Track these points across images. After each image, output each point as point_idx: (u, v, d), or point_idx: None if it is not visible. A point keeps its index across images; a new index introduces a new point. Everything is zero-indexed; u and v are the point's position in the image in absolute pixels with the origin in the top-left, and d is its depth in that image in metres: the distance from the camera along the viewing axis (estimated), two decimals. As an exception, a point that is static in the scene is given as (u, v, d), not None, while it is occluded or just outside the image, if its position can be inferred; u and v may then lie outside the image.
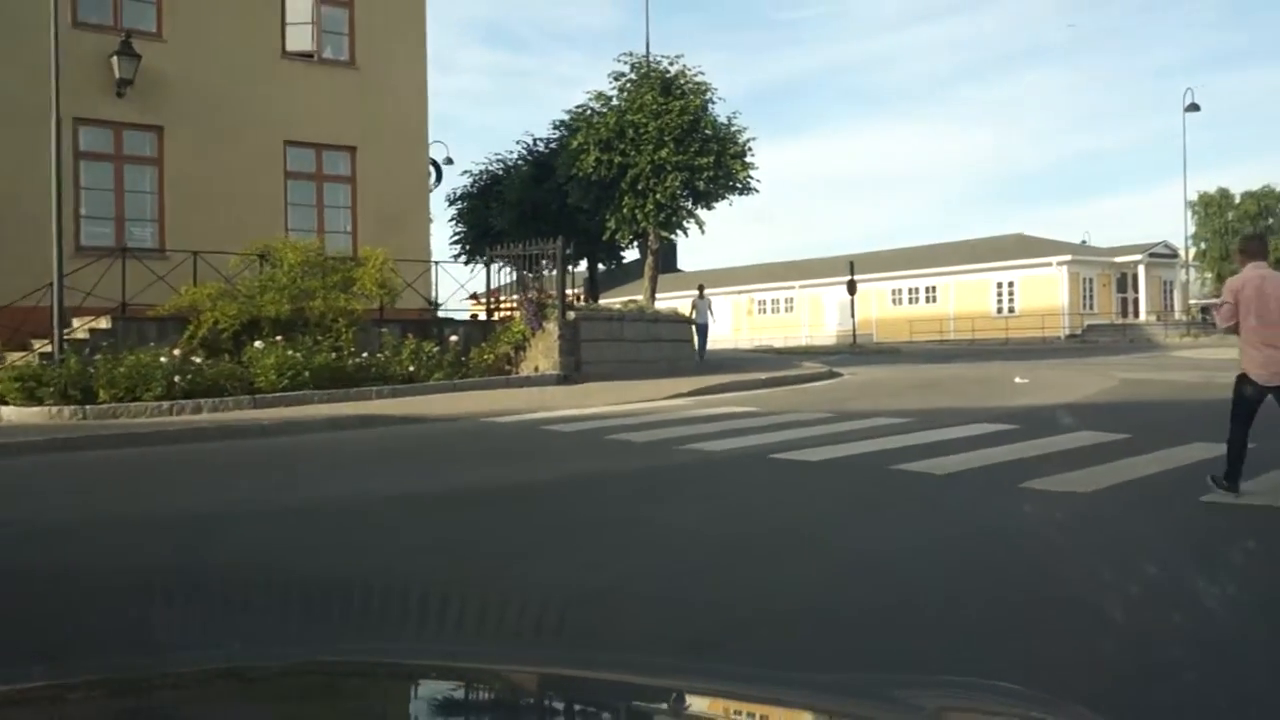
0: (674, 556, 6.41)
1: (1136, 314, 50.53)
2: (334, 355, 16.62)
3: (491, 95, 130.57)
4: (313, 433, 13.27)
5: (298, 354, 16.05)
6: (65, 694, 1.70)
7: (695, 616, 5.05)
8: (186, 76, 19.21)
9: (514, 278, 21.20)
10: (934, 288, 52.88)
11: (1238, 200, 70.66)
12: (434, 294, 20.77)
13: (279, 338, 16.41)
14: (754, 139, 23.58)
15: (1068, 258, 48.78)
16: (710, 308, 26.77)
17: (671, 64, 23.79)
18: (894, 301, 54.27)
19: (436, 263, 20.99)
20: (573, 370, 18.74)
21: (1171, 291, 53.41)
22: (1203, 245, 70.10)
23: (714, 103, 23.65)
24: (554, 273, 19.43)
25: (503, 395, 16.95)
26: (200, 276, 17.33)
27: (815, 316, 56.67)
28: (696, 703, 1.72)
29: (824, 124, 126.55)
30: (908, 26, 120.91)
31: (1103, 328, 46.55)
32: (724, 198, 23.70)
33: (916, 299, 53.74)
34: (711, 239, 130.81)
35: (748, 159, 23.46)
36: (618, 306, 22.83)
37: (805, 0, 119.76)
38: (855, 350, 38.88)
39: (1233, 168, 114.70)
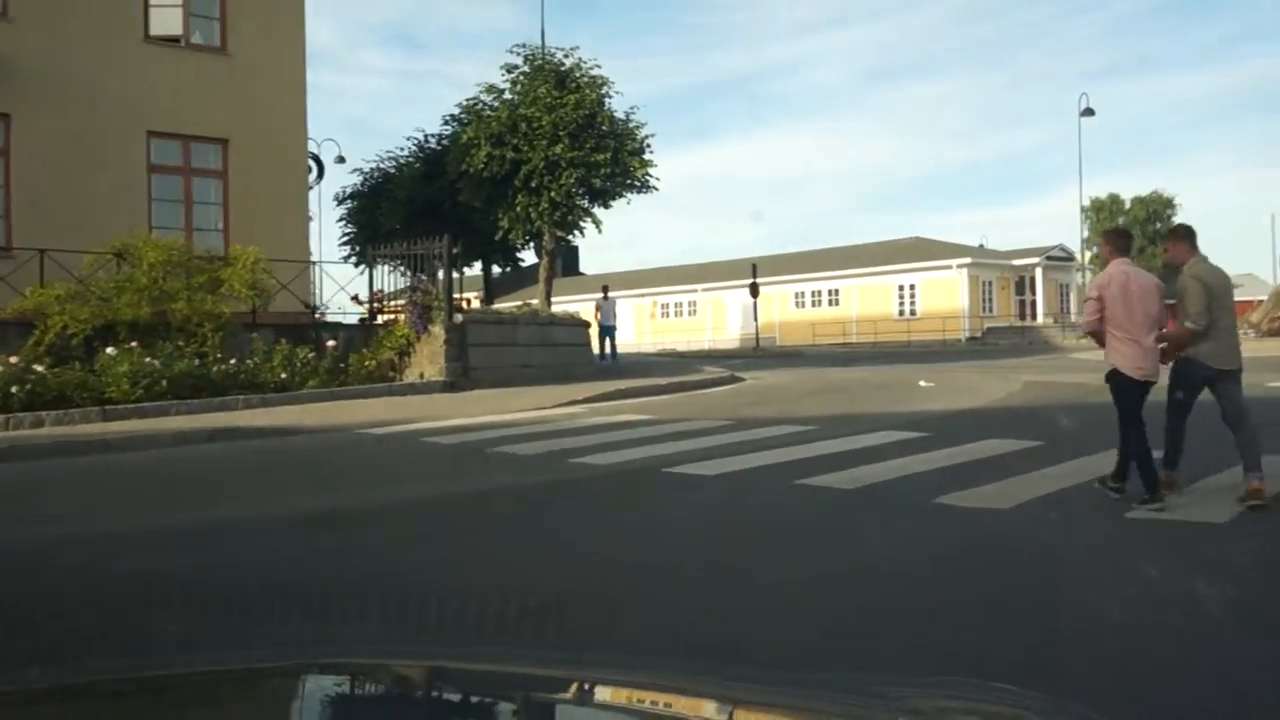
0: (551, 586, 5.47)
1: (1035, 316, 51.05)
2: (197, 362, 15.32)
3: (397, 98, 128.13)
4: (159, 448, 12.00)
5: (155, 361, 14.72)
6: (64, 694, 1.69)
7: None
8: (37, 60, 17.62)
9: (403, 280, 20.05)
10: (836, 290, 52.77)
11: (1128, 206, 72.64)
12: (315, 297, 19.52)
13: (135, 343, 15.04)
14: (653, 135, 22.81)
15: (967, 260, 49.03)
16: (615, 309, 25.72)
17: (567, 56, 22.88)
18: (797, 304, 54.03)
19: (315, 263, 19.71)
20: (460, 377, 17.66)
21: (1068, 294, 54.10)
22: (1095, 249, 71.77)
23: (611, 97, 22.85)
24: (441, 274, 18.31)
25: (383, 404, 15.81)
26: (49, 276, 15.86)
27: (719, 320, 56.20)
28: (691, 703, 1.71)
29: (727, 129, 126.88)
30: (809, 35, 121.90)
31: (1002, 330, 46.86)
32: (622, 196, 22.86)
33: (819, 302, 53.57)
34: (619, 241, 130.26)
35: (647, 156, 22.67)
36: (510, 309, 21.78)
37: (710, 6, 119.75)
38: (758, 354, 38.38)
39: (1124, 174, 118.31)
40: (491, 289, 30.08)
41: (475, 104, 23.10)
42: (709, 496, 8.33)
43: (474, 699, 1.79)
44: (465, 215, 24.54)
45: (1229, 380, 7.70)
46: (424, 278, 18.23)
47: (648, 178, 22.65)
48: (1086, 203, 70.03)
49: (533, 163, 21.61)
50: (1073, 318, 51.05)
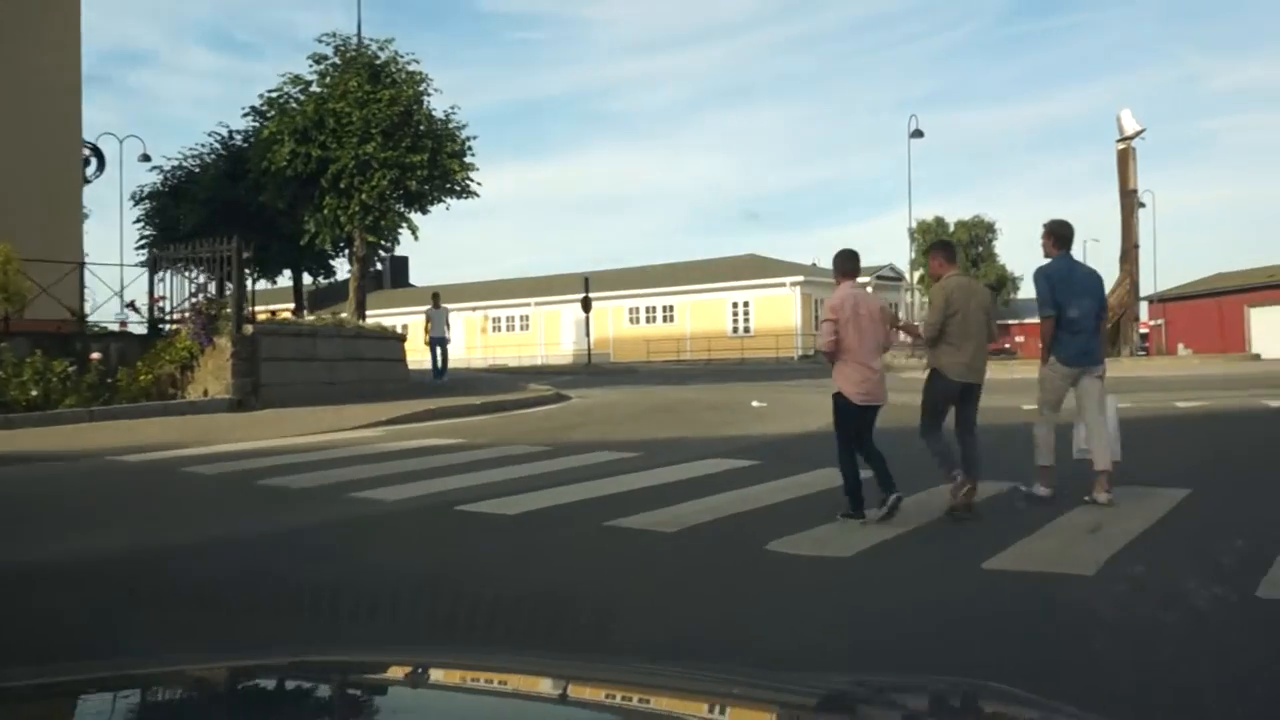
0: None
1: (865, 335, 51.42)
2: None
3: (225, 100, 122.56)
4: None
5: None
6: (63, 694, 1.67)
7: None
8: None
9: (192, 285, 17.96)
10: (671, 307, 52.14)
11: (952, 228, 74.65)
12: (85, 302, 17.30)
13: None
14: (475, 137, 21.32)
15: (800, 278, 49.07)
16: (448, 320, 23.37)
17: (381, 49, 21.17)
18: (631, 320, 53.18)
19: (84, 264, 17.45)
20: (249, 395, 15.81)
21: (897, 313, 54.83)
22: (922, 270, 73.53)
23: (430, 95, 21.24)
24: (231, 280, 16.39)
25: (155, 425, 13.89)
26: None
27: (552, 335, 54.85)
28: (692, 703, 1.70)
29: (564, 146, 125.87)
30: (644, 55, 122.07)
31: (834, 348, 46.87)
32: (441, 201, 21.29)
33: (654, 318, 52.84)
34: (455, 255, 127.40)
35: (468, 159, 21.15)
36: (312, 321, 19.92)
37: (541, 22, 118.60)
38: (590, 370, 37.21)
39: (949, 198, 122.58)
40: (314, 300, 27.98)
41: (279, 96, 21.20)
42: (501, 546, 6.96)
43: (470, 697, 1.75)
44: (273, 218, 22.54)
45: (971, 394, 7.95)
46: (208, 282, 16.31)
47: (469, 182, 21.17)
48: (914, 224, 71.74)
49: (342, 162, 19.86)
50: (902, 337, 51.71)
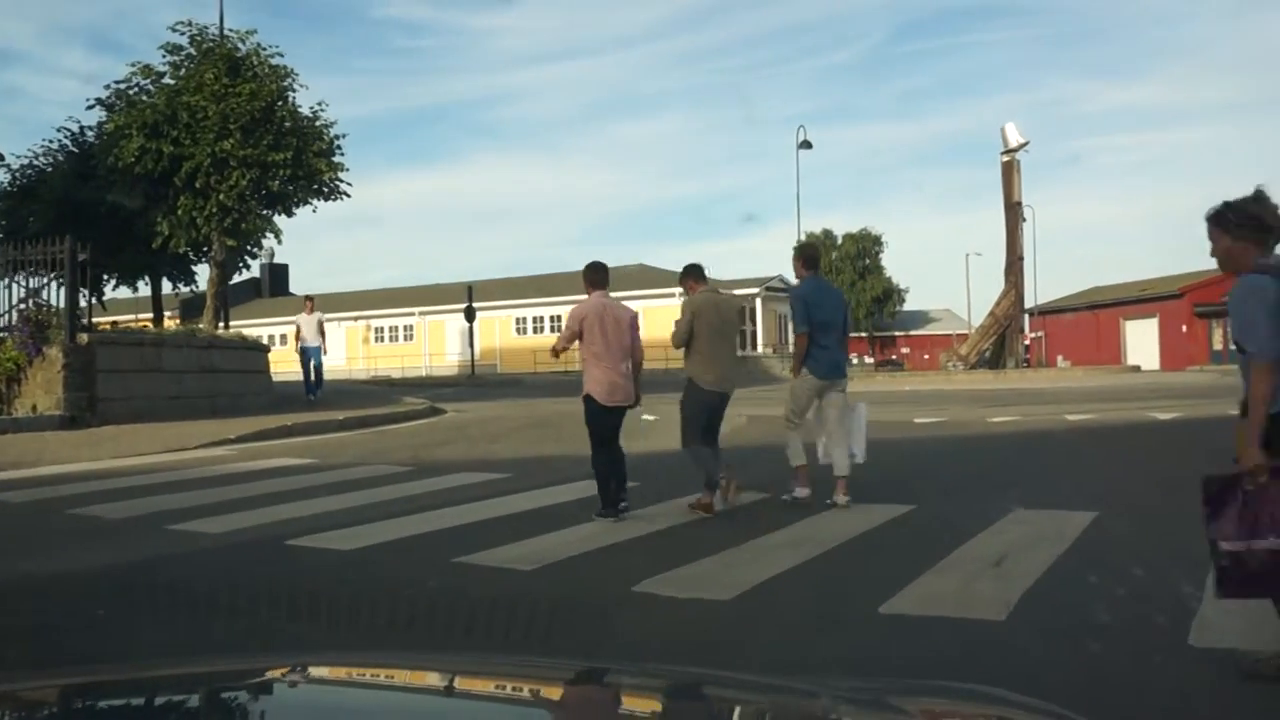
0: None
1: (755, 347, 51.22)
2: None
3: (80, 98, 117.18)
4: None
5: None
6: (63, 694, 1.66)
7: None
8: None
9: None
10: (559, 317, 50.99)
11: (840, 241, 75.27)
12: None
13: None
14: (344, 136, 20.04)
15: (689, 289, 48.54)
16: (322, 328, 20.10)
17: (242, 40, 19.75)
18: (518, 330, 52.01)
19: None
20: (84, 410, 14.36)
21: (786, 325, 54.78)
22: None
23: (296, 90, 19.91)
24: (66, 284, 14.90)
25: (-31, 445, 12.44)
26: None
27: (437, 345, 53.31)
28: (692, 704, 1.71)
29: (453, 155, 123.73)
30: (535, 66, 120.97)
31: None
32: (307, 202, 19.98)
33: (541, 328, 51.71)
34: (342, 264, 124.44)
35: (336, 158, 19.89)
36: (160, 330, 18.43)
37: (431, 31, 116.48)
38: (474, 382, 36.07)
39: (839, 212, 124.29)
40: (187, 309, 26.12)
41: (128, 88, 19.66)
42: (321, 592, 5.92)
43: (470, 696, 1.75)
44: (129, 221, 20.93)
45: (723, 404, 8.74)
46: (40, 288, 14.82)
47: (338, 183, 19.91)
48: (803, 236, 72.07)
49: (197, 159, 18.43)
50: (790, 348, 51.61)
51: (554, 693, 1.79)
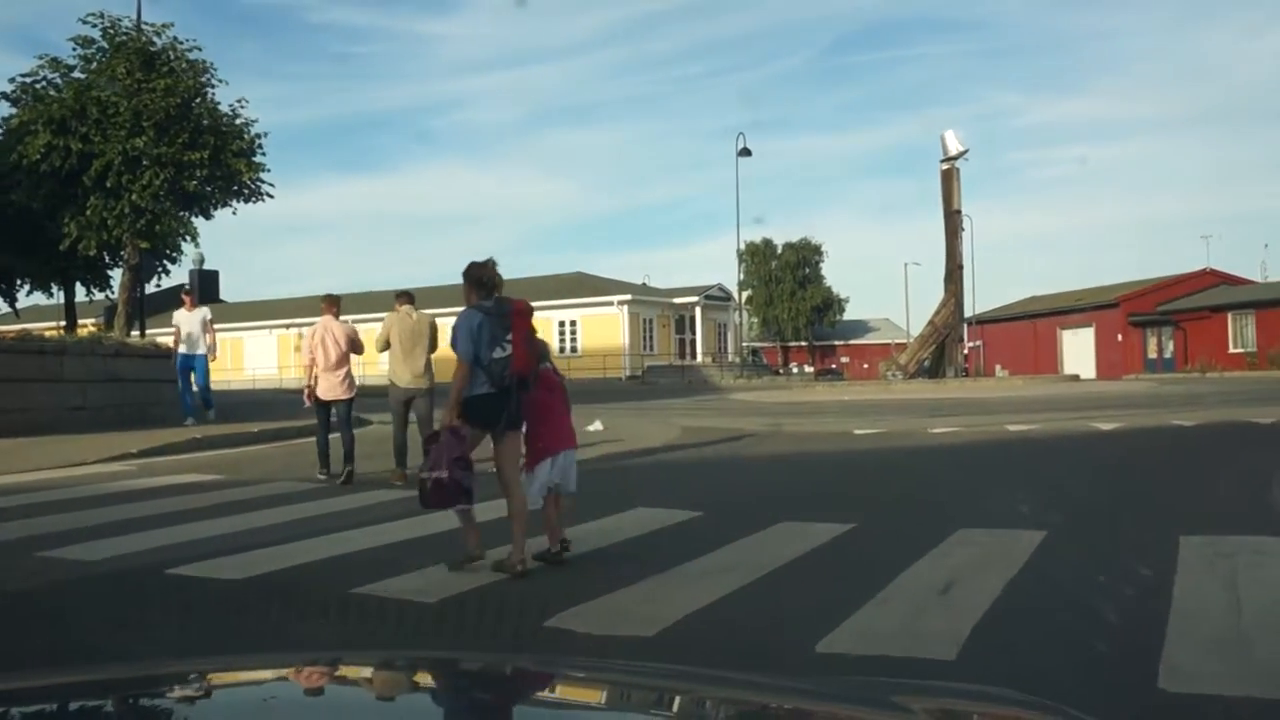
0: None
1: (694, 355, 50.82)
2: None
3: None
4: None
5: None
6: (62, 694, 1.64)
7: None
8: None
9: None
10: (496, 325, 50.37)
11: (780, 250, 75.26)
12: None
13: None
14: (265, 135, 19.17)
15: (628, 297, 48.00)
16: (210, 327, 16.28)
17: (158, 34, 18.83)
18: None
19: None
20: (-24, 422, 13.46)
21: (726, 333, 54.49)
22: (750, 291, 73.87)
23: (215, 86, 19.04)
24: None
25: None
26: None
27: (372, 353, 52.13)
28: (689, 703, 1.71)
29: (395, 162, 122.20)
30: (479, 73, 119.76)
31: (663, 368, 46.08)
32: (226, 204, 19.10)
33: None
34: (280, 271, 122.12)
35: (257, 158, 19.03)
36: (62, 337, 17.43)
37: (373, 36, 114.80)
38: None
39: (781, 221, 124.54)
40: (75, 316, 24.95)
41: (35, 81, 18.64)
42: (190, 631, 5.24)
43: (474, 695, 1.74)
44: (40, 223, 19.89)
45: (421, 400, 10.51)
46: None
47: (259, 184, 19.06)
48: (743, 246, 71.92)
49: (107, 157, 17.49)
50: (730, 357, 51.34)
51: (554, 693, 1.78)
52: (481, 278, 6.55)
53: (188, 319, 15.95)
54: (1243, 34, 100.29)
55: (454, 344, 6.31)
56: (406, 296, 10.76)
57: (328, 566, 6.60)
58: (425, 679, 1.85)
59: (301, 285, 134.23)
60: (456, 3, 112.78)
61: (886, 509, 8.61)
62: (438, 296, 50.93)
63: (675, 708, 1.69)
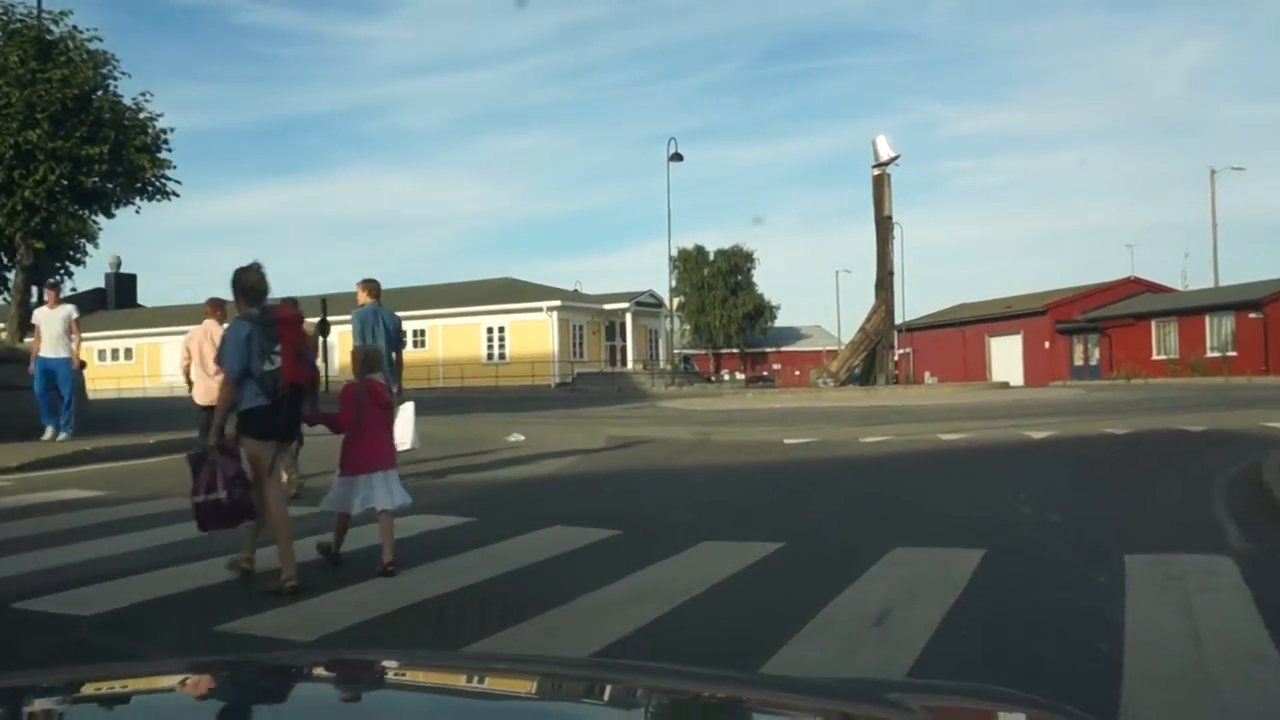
0: None
1: (625, 362, 50.28)
2: None
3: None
4: None
5: None
6: (63, 693, 1.65)
7: None
8: None
9: None
10: (422, 331, 49.27)
11: (712, 257, 75.05)
12: None
13: None
14: (171, 130, 18.23)
15: (558, 303, 47.31)
16: (76, 329, 13.96)
17: (55, 22, 17.82)
18: (381, 345, 50.02)
19: None
20: None
21: (657, 340, 54.04)
22: (682, 298, 73.53)
23: (117, 78, 18.07)
24: None
25: None
26: None
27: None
28: (688, 702, 1.71)
29: (323, 165, 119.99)
30: (410, 77, 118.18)
31: (593, 376, 45.47)
32: (129, 202, 18.13)
33: (404, 342, 49.89)
34: (203, 275, 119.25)
35: (161, 154, 18.09)
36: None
37: (301, 38, 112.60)
38: (326, 399, 34.05)
39: (710, 229, 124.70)
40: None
41: (-81, 69, 17.53)
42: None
43: (472, 695, 1.73)
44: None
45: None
46: None
47: (164, 181, 18.12)
48: (675, 252, 71.57)
49: (-4, 150, 16.51)
50: (661, 364, 50.88)
51: (554, 693, 1.77)
52: (249, 285, 6.18)
53: (49, 317, 13.93)
54: (1158, 49, 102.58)
55: (220, 359, 6.17)
56: (290, 303, 10.13)
57: (196, 598, 5.93)
58: (425, 679, 1.82)
59: (227, 290, 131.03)
60: (386, 6, 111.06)
61: (817, 526, 8.11)
62: (390, 299, 49.95)
63: (675, 707, 1.68)
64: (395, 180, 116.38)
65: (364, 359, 7.15)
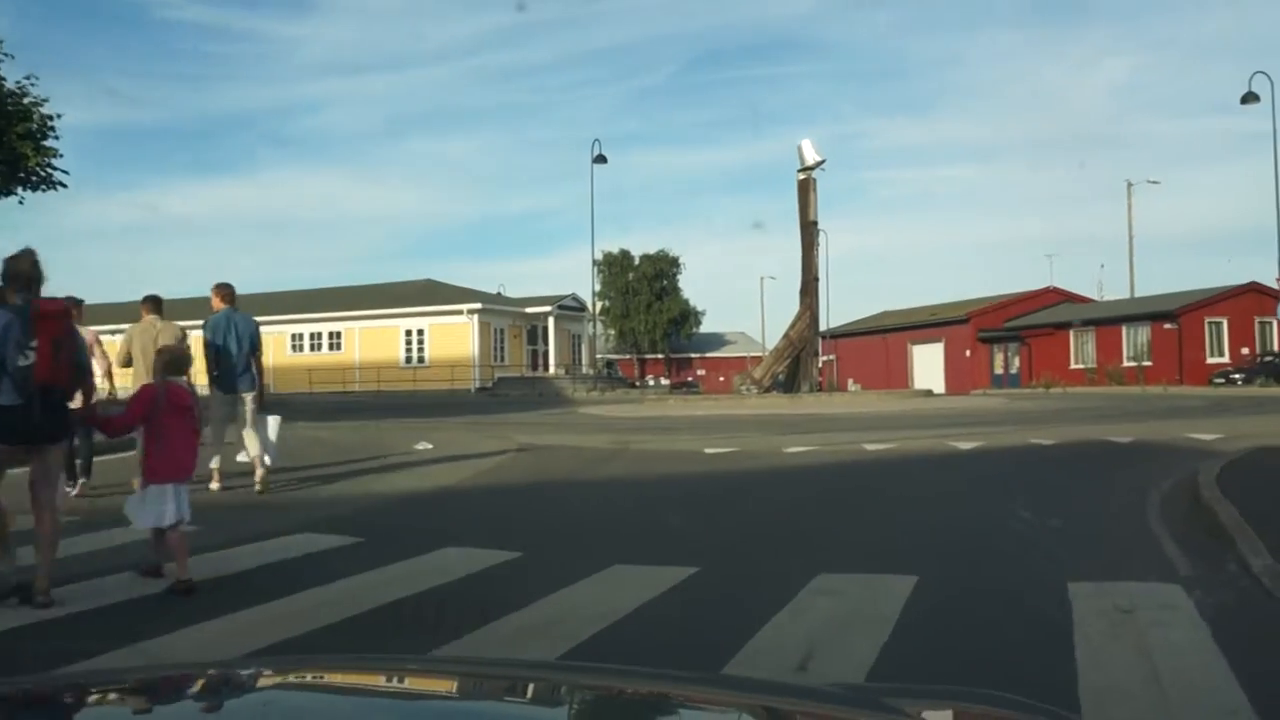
0: None
1: (547, 367, 49.49)
2: None
3: None
4: None
5: None
6: (62, 693, 1.67)
7: None
8: None
9: None
10: (338, 333, 47.98)
11: (637, 261, 74.65)
12: None
13: None
14: (58, 116, 17.13)
15: (478, 306, 46.35)
16: None
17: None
18: (294, 347, 48.49)
19: None
20: None
21: (580, 345, 53.32)
22: (607, 302, 72.98)
23: (1, 60, 16.90)
24: None
25: None
26: None
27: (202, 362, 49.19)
28: (685, 706, 1.70)
29: (247, 164, 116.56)
30: (338, 76, 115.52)
31: (514, 380, 44.62)
32: (10, 192, 16.99)
33: (319, 345, 48.44)
34: (113, 274, 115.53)
35: (48, 142, 16.98)
36: None
37: (224, 35, 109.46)
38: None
39: (638, 234, 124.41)
40: None
41: None
42: None
43: (471, 696, 1.74)
44: None
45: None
46: None
47: (49, 170, 17.01)
48: (600, 255, 70.99)
49: None
50: (584, 369, 50.18)
51: (552, 693, 1.76)
52: (17, 272, 5.67)
53: None
54: (1080, 66, 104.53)
55: None
56: (153, 304, 9.99)
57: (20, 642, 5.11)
58: (424, 680, 1.83)
59: (136, 289, 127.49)
60: (315, 5, 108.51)
61: (736, 547, 7.49)
62: (279, 303, 48.58)
63: (675, 708, 1.68)
64: (322, 180, 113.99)
65: (168, 360, 6.54)
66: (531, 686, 1.80)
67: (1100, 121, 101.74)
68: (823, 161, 33.49)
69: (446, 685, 1.81)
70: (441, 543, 7.35)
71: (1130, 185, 56.03)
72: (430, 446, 15.08)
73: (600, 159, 41.41)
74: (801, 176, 33.56)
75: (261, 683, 1.75)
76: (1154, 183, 58.87)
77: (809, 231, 33.94)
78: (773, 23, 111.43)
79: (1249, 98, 35.36)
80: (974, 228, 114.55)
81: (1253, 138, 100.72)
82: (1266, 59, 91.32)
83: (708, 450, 14.32)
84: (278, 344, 48.14)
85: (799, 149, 33.58)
